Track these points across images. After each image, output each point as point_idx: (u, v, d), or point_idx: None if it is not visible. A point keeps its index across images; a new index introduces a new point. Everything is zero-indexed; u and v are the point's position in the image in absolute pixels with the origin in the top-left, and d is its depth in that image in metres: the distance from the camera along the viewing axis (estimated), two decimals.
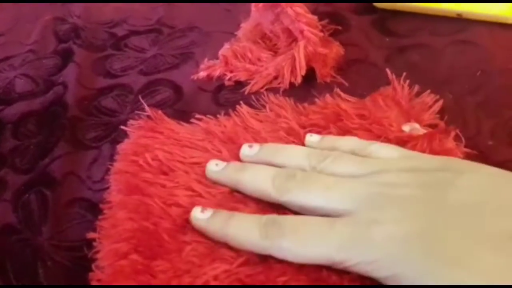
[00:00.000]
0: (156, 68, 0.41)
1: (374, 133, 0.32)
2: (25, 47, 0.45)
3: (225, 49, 0.39)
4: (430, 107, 0.33)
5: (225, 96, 0.38)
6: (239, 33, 0.41)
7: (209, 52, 0.41)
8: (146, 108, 0.36)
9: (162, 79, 0.40)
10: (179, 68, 0.41)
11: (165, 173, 0.32)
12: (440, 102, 0.34)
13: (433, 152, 0.29)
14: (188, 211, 0.29)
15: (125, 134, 0.35)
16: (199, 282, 0.26)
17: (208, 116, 0.35)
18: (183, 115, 0.36)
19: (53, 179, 0.33)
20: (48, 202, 0.32)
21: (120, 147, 0.34)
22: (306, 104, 0.35)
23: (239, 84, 0.38)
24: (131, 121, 0.35)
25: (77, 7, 0.50)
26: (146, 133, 0.34)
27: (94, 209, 0.31)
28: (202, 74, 0.39)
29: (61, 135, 0.36)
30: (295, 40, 0.38)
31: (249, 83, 0.38)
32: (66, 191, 0.33)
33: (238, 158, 0.32)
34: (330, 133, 0.32)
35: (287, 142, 0.33)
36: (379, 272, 0.23)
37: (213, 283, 0.26)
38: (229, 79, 0.38)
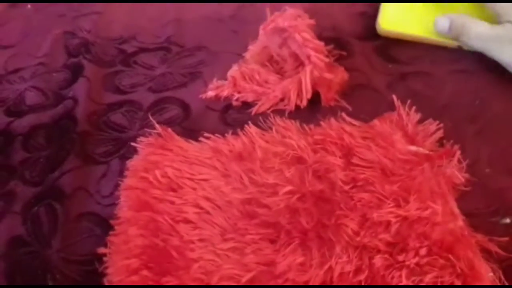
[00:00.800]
0: (165, 86, 0.42)
1: (378, 152, 0.33)
2: (35, 60, 0.46)
3: (234, 71, 0.41)
4: (432, 134, 0.35)
5: (232, 116, 0.39)
6: (247, 55, 0.43)
7: (217, 72, 0.42)
8: (156, 125, 0.37)
9: (171, 97, 0.41)
10: (188, 87, 0.42)
11: (174, 190, 0.33)
12: (442, 130, 0.35)
13: (438, 172, 0.31)
14: (196, 227, 0.30)
15: (134, 150, 0.36)
16: None
17: (216, 135, 0.36)
18: (191, 133, 0.37)
19: (62, 192, 0.34)
20: (57, 216, 0.33)
21: (130, 163, 0.35)
22: (312, 126, 0.36)
23: (246, 105, 0.39)
24: (141, 138, 0.36)
25: (86, 22, 0.51)
26: (156, 150, 0.35)
27: (103, 223, 0.32)
28: (211, 93, 0.40)
29: (70, 149, 0.37)
30: (301, 64, 0.39)
31: (256, 104, 0.39)
32: (75, 205, 0.33)
33: (244, 177, 0.33)
34: (333, 153, 0.34)
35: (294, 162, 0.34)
36: None
37: None
38: (237, 100, 0.39)
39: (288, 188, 0.31)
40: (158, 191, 0.32)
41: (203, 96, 0.40)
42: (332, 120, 0.37)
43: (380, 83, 0.41)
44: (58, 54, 0.47)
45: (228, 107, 0.40)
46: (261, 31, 0.42)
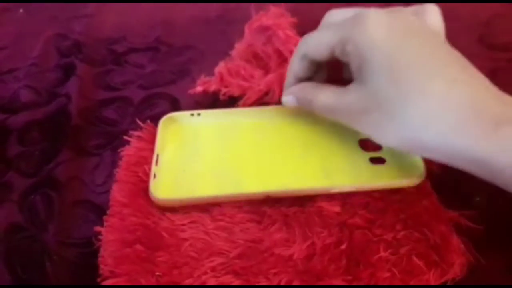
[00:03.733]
0: (154, 83, 0.44)
1: None
2: (29, 61, 0.48)
3: (220, 67, 0.43)
4: None
5: None
6: (233, 53, 0.45)
7: (205, 69, 0.44)
8: (139, 123, 0.38)
9: (161, 93, 0.43)
10: (177, 83, 0.44)
11: None
12: None
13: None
14: (185, 217, 0.32)
15: (125, 143, 0.38)
16: (197, 272, 0.28)
17: None
18: None
19: (58, 182, 0.36)
20: (53, 203, 0.34)
21: (122, 154, 0.36)
22: None
23: (233, 99, 0.41)
24: (131, 132, 0.38)
25: (78, 25, 0.53)
26: (146, 145, 0.37)
27: (97, 210, 0.34)
28: (199, 88, 0.42)
29: (64, 143, 0.39)
30: (285, 60, 0.41)
31: (242, 98, 0.41)
32: (70, 193, 0.35)
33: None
34: None
35: None
36: None
37: (210, 274, 0.28)
38: (224, 94, 0.41)
39: None
40: (147, 185, 0.33)
41: (192, 91, 0.42)
42: None
43: None
44: (51, 54, 0.49)
45: (215, 101, 0.41)
46: (246, 30, 0.45)
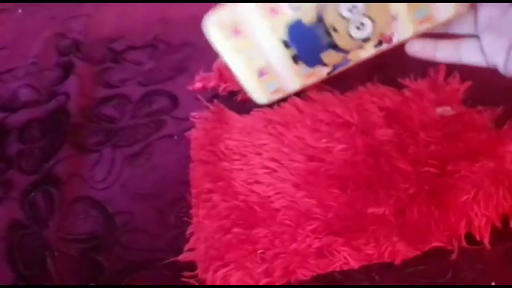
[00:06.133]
0: (153, 80, 0.44)
1: (415, 112, 0.36)
2: (28, 60, 0.48)
3: (218, 63, 0.43)
4: (458, 90, 0.37)
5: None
6: None
7: (203, 65, 0.44)
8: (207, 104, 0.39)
9: (159, 90, 0.43)
10: (175, 80, 0.44)
11: (239, 159, 0.35)
12: (467, 84, 0.37)
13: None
14: (269, 185, 0.33)
15: (125, 139, 0.38)
16: (300, 237, 0.30)
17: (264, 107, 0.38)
18: (181, 122, 0.39)
19: (58, 179, 0.36)
20: (53, 200, 0.34)
21: (192, 136, 0.37)
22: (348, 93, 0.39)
23: (233, 93, 0.41)
24: (194, 114, 0.39)
25: (76, 24, 0.53)
26: (215, 124, 0.38)
27: (98, 206, 0.34)
28: (198, 85, 0.42)
29: (64, 140, 0.39)
30: None
31: (240, 92, 0.41)
32: (70, 190, 0.35)
33: (299, 140, 0.36)
34: (375, 112, 0.37)
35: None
36: None
37: (312, 236, 0.30)
38: (224, 89, 0.41)
39: (341, 146, 0.34)
40: (226, 163, 0.35)
41: (191, 87, 0.42)
42: (369, 84, 0.39)
43: None
44: (50, 54, 0.49)
45: (213, 96, 0.41)
46: None
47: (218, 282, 0.29)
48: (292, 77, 0.30)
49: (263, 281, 0.28)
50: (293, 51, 0.30)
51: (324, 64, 0.30)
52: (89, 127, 0.40)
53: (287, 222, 0.31)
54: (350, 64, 0.30)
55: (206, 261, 0.29)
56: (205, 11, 0.51)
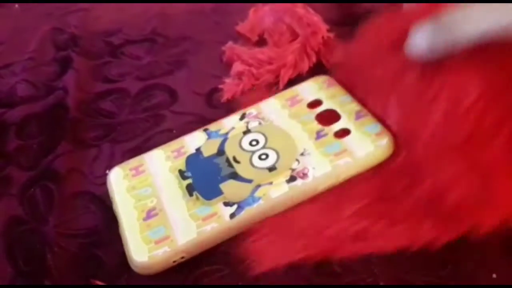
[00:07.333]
0: (151, 74, 0.44)
1: None
2: (25, 55, 0.48)
3: (237, 65, 0.41)
4: None
5: (217, 99, 0.40)
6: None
7: (202, 60, 0.44)
8: None
9: (158, 84, 0.43)
10: (174, 74, 0.44)
11: None
12: None
13: None
14: None
15: (124, 134, 0.38)
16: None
17: None
18: (179, 116, 0.39)
19: (57, 174, 0.36)
20: (53, 195, 0.34)
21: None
22: None
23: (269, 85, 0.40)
24: None
25: (74, 19, 0.52)
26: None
27: (97, 201, 0.34)
28: (227, 95, 0.40)
29: (63, 135, 0.39)
30: (297, 37, 0.41)
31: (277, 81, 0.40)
32: (70, 185, 0.35)
33: None
34: None
35: None
36: None
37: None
38: (259, 86, 0.40)
39: None
40: None
41: (224, 100, 0.40)
42: None
43: None
44: (47, 48, 0.49)
45: (213, 90, 0.41)
46: (251, 13, 0.45)
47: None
48: (186, 219, 0.27)
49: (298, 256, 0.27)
50: (189, 181, 0.29)
51: (226, 202, 0.28)
52: (88, 122, 0.40)
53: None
54: (261, 204, 0.27)
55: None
56: (202, 6, 0.52)
